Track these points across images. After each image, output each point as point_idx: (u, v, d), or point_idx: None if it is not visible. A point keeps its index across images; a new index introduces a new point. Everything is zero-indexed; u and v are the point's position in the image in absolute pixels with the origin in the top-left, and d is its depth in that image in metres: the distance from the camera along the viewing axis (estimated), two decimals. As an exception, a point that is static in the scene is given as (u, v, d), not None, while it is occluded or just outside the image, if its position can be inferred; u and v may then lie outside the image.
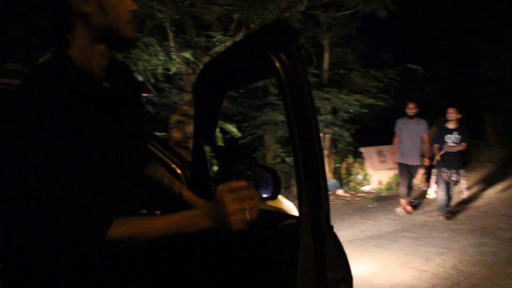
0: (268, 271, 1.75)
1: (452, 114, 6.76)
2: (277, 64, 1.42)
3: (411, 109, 7.09)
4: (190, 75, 6.87)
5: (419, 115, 7.21)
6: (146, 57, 5.95)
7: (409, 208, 7.40)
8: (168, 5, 4.88)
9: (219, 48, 6.61)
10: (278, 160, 11.31)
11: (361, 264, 5.03)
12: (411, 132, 7.10)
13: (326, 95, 8.95)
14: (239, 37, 6.42)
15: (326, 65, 10.02)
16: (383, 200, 8.73)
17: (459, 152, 6.71)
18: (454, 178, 6.72)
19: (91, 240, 1.20)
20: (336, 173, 10.42)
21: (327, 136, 9.93)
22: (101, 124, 1.29)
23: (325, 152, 10.06)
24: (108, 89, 1.36)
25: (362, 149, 10.10)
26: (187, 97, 7.36)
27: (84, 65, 1.29)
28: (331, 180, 9.90)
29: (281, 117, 9.59)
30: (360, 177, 10.26)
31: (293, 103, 1.42)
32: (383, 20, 7.69)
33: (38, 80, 1.24)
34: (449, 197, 6.80)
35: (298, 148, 1.43)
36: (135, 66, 6.39)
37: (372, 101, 9.26)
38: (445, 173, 6.69)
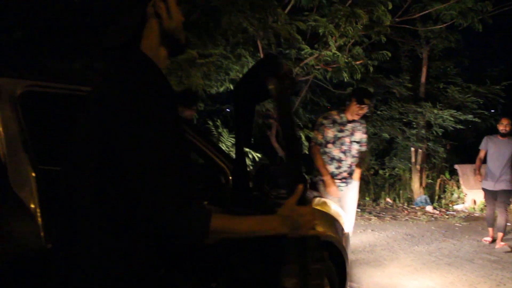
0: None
1: None
2: (270, 87, 1.77)
3: (504, 125, 6.36)
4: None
5: None
6: (237, 67, 6.45)
7: (502, 244, 6.28)
8: (254, 21, 5.33)
9: (308, 60, 6.96)
10: (371, 171, 11.33)
11: (425, 280, 5.04)
12: (500, 152, 6.40)
13: (419, 109, 8.82)
14: (327, 50, 6.70)
15: (423, 78, 9.84)
16: (472, 220, 8.38)
17: None
18: None
19: (201, 231, 1.24)
20: (429, 189, 10.16)
21: (420, 150, 9.75)
22: (179, 123, 1.34)
23: (417, 167, 9.89)
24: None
25: (457, 166, 9.73)
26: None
27: None
28: (421, 196, 9.69)
29: (373, 130, 9.64)
30: (455, 195, 9.91)
31: (280, 116, 1.75)
32: (493, 33, 7.50)
33: (142, 79, 1.27)
34: None
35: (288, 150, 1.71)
36: (227, 76, 6.97)
37: (469, 117, 8.91)
38: None
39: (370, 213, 8.90)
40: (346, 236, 3.65)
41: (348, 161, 4.63)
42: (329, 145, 4.62)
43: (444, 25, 7.71)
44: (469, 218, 8.64)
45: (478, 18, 7.15)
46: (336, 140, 4.59)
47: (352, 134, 4.63)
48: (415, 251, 6.30)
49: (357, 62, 6.52)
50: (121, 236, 1.26)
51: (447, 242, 6.82)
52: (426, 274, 5.25)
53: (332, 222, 3.41)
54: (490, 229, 6.65)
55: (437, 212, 9.01)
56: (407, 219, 8.48)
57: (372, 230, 7.55)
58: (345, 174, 4.65)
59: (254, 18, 5.28)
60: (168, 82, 1.34)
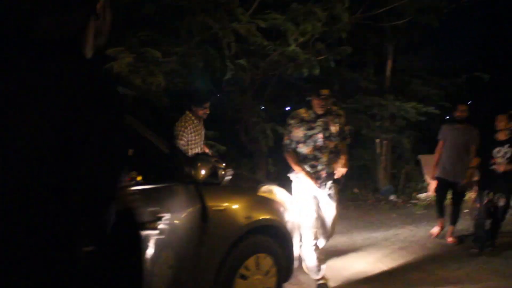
0: None
1: (502, 122, 5.61)
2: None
3: (460, 111, 6.10)
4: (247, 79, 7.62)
5: (472, 122, 6.23)
6: (202, 64, 6.69)
7: (451, 239, 6.22)
8: (215, 21, 5.61)
9: (272, 56, 7.25)
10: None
11: (377, 263, 5.40)
12: (456, 140, 6.16)
13: (382, 102, 9.21)
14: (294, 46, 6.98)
15: (388, 72, 10.21)
16: (432, 208, 8.75)
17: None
18: (501, 203, 5.62)
19: None
20: (395, 178, 10.58)
21: (384, 142, 10.16)
22: None
23: (382, 157, 10.29)
24: None
25: (420, 157, 10.17)
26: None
27: None
28: (386, 186, 10.10)
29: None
30: (420, 185, 10.33)
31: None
32: (458, 27, 7.84)
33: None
34: (493, 228, 5.70)
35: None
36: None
37: (431, 109, 9.31)
38: (487, 197, 5.64)
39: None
40: (294, 223, 3.96)
41: (324, 158, 4.26)
42: (300, 145, 4.29)
43: (403, 21, 8.07)
44: (429, 206, 9.02)
45: (436, 15, 7.51)
46: (307, 139, 4.26)
47: (326, 129, 4.27)
48: (372, 237, 6.67)
49: (318, 58, 6.83)
50: None
51: (404, 228, 7.21)
52: (378, 257, 5.61)
53: (277, 208, 3.73)
54: (440, 220, 6.44)
55: (400, 200, 9.42)
56: (370, 208, 8.90)
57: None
58: (322, 173, 4.28)
59: (215, 18, 5.53)
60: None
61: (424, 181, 10.18)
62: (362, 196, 9.94)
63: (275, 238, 3.64)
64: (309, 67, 6.57)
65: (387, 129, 9.67)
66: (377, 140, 10.24)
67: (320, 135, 4.25)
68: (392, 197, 9.60)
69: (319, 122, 4.27)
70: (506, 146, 5.58)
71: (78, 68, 1.24)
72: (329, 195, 4.34)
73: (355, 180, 10.98)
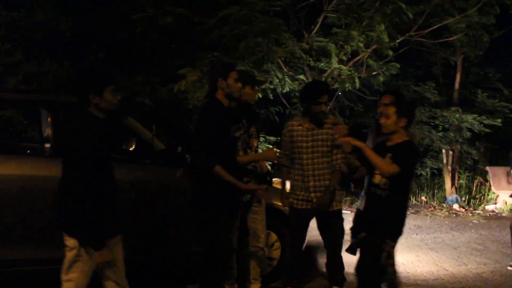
0: None
1: None
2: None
3: None
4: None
5: None
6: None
7: None
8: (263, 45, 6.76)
9: (327, 73, 8.16)
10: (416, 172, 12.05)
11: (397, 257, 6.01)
12: None
13: (445, 113, 9.57)
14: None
15: (457, 84, 10.47)
16: (494, 219, 8.88)
17: None
18: None
19: (210, 167, 3.24)
20: (463, 188, 10.72)
21: (451, 152, 10.40)
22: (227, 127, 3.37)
23: (449, 167, 10.53)
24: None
25: (488, 168, 10.21)
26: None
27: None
28: (452, 195, 10.31)
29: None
30: (490, 196, 10.38)
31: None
32: None
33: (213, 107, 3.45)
34: None
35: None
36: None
37: (497, 121, 9.45)
38: None
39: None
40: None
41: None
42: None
43: (455, 37, 8.47)
44: (492, 217, 9.16)
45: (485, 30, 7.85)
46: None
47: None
48: (411, 237, 7.22)
49: (361, 74, 7.63)
50: None
51: (448, 233, 7.60)
52: (403, 254, 6.19)
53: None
54: None
55: (463, 210, 9.61)
56: (427, 214, 9.27)
57: (384, 221, 8.49)
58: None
59: (262, 43, 6.66)
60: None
61: (493, 192, 10.21)
62: (426, 204, 10.28)
63: (281, 218, 4.61)
64: (352, 82, 7.36)
65: (452, 140, 9.94)
66: (444, 151, 10.50)
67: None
68: (455, 206, 9.82)
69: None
70: None
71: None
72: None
73: (425, 188, 11.34)
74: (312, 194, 4.05)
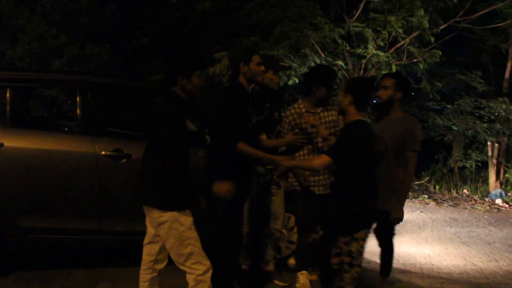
0: None
1: None
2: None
3: None
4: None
5: None
6: (296, 64, 7.79)
7: None
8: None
9: (367, 59, 8.01)
10: (459, 164, 11.68)
11: (425, 249, 5.91)
12: None
13: (491, 104, 9.17)
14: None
15: (507, 73, 9.97)
16: (538, 216, 8.51)
17: None
18: None
19: (233, 144, 3.25)
20: (510, 183, 10.28)
21: (496, 145, 9.95)
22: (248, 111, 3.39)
23: (494, 160, 10.10)
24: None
25: (536, 163, 9.72)
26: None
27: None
28: (496, 190, 9.91)
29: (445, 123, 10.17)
30: (539, 191, 9.91)
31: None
32: None
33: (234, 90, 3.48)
34: None
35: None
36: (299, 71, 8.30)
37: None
38: None
39: (435, 200, 9.52)
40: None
41: None
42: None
43: (505, 23, 8.05)
44: (536, 214, 8.74)
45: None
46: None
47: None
48: (444, 230, 7.03)
49: (402, 61, 7.42)
50: None
51: (485, 228, 7.33)
52: (431, 245, 6.09)
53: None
54: None
55: (507, 206, 9.23)
56: (466, 207, 8.96)
57: (420, 212, 8.33)
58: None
59: (297, 28, 6.62)
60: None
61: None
62: (468, 197, 9.95)
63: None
64: (388, 69, 7.18)
65: (498, 132, 9.52)
66: (489, 143, 10.07)
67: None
68: (498, 201, 9.44)
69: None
70: None
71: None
72: None
73: (468, 181, 10.97)
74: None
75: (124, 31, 8.94)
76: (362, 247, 3.17)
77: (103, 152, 4.06)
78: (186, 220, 2.94)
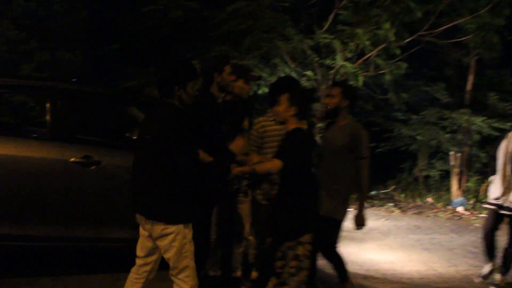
0: None
1: None
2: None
3: None
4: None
5: None
6: (267, 74, 7.96)
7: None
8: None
9: (334, 70, 8.23)
10: (423, 173, 12.06)
11: (389, 256, 6.11)
12: None
13: (454, 115, 9.53)
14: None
15: (469, 86, 10.38)
16: (496, 223, 8.84)
17: None
18: None
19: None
20: (471, 192, 10.65)
21: (458, 155, 10.33)
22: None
23: (455, 170, 10.47)
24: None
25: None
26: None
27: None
28: (458, 198, 10.26)
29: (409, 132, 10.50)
30: (499, 200, 10.27)
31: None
32: None
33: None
34: None
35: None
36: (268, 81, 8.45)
37: (507, 125, 9.34)
38: None
39: (400, 208, 9.80)
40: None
41: None
42: None
43: (466, 37, 8.43)
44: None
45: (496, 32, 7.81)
46: None
47: None
48: (408, 237, 7.27)
49: (368, 73, 7.67)
50: None
51: (446, 235, 7.60)
52: (395, 252, 6.29)
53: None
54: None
55: (467, 213, 9.57)
56: (429, 215, 9.26)
57: (385, 219, 8.58)
58: None
59: (267, 38, 6.78)
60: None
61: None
62: (432, 206, 10.27)
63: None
64: (355, 80, 7.41)
65: (460, 142, 9.88)
66: (451, 153, 10.44)
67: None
68: (459, 209, 9.78)
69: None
70: None
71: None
72: None
73: (432, 190, 11.32)
74: None
75: (96, 37, 8.92)
76: (308, 251, 3.25)
77: (73, 159, 4.09)
78: (189, 233, 2.94)
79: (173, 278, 2.97)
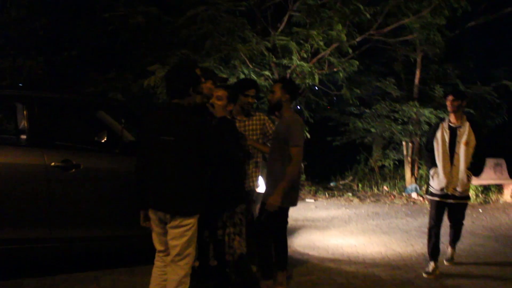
0: None
1: None
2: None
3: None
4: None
5: None
6: (225, 75, 8.25)
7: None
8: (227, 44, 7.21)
9: (291, 69, 8.64)
10: (378, 163, 12.73)
11: (351, 240, 6.57)
12: None
13: (404, 107, 10.17)
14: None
15: (416, 80, 11.07)
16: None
17: None
18: None
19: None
20: (423, 178, 11.37)
21: (410, 144, 11.03)
22: None
23: (408, 158, 11.16)
24: None
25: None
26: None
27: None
28: (411, 185, 10.94)
29: (364, 125, 11.09)
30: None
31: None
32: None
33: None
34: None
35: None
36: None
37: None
38: None
39: (358, 197, 10.36)
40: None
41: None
42: None
43: (412, 36, 9.08)
44: (446, 204, 9.78)
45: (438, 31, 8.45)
46: None
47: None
48: (367, 223, 7.77)
49: (323, 71, 8.14)
50: None
51: (402, 219, 8.17)
52: (356, 237, 6.76)
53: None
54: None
55: (421, 199, 10.24)
56: (386, 203, 9.87)
57: (346, 208, 9.09)
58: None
59: (227, 42, 7.11)
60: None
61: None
62: (388, 193, 10.90)
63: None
64: (311, 78, 7.85)
65: (411, 133, 10.54)
66: (404, 143, 11.12)
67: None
68: (413, 195, 10.45)
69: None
70: None
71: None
72: None
73: (387, 179, 11.99)
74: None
75: (55, 44, 8.95)
76: (242, 219, 3.94)
77: (53, 163, 4.27)
78: (197, 223, 3.24)
79: (173, 264, 3.22)
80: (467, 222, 7.57)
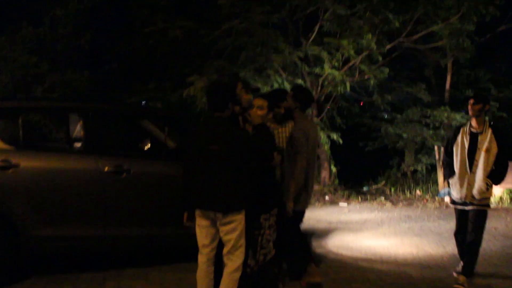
0: None
1: None
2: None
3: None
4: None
5: None
6: (260, 83, 8.61)
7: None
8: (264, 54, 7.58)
9: (323, 78, 8.94)
10: (411, 168, 12.84)
11: (383, 241, 6.77)
12: None
13: (435, 112, 10.30)
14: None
15: (447, 85, 11.17)
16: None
17: None
18: None
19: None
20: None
21: (442, 149, 11.09)
22: None
23: (440, 163, 11.22)
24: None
25: (477, 163, 10.87)
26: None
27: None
28: (444, 189, 10.93)
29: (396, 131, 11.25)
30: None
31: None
32: None
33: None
34: None
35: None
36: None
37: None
38: None
39: (391, 201, 10.50)
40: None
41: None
42: None
43: (441, 42, 9.24)
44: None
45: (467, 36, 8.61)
46: None
47: None
48: (399, 226, 7.93)
49: (354, 78, 8.41)
50: None
51: (435, 222, 8.28)
52: (388, 238, 6.94)
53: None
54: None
55: (453, 202, 10.28)
56: (418, 206, 9.98)
57: (378, 212, 9.26)
58: None
59: (260, 53, 7.49)
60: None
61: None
62: (420, 197, 10.99)
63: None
64: (343, 86, 8.13)
65: (443, 137, 10.64)
66: (436, 147, 11.21)
67: None
68: (446, 199, 10.50)
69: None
70: None
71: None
72: None
73: (420, 183, 12.08)
74: None
75: (98, 58, 9.53)
76: (275, 221, 4.15)
77: (106, 169, 4.70)
78: (244, 218, 3.67)
79: (228, 256, 3.66)
80: (500, 225, 7.73)
